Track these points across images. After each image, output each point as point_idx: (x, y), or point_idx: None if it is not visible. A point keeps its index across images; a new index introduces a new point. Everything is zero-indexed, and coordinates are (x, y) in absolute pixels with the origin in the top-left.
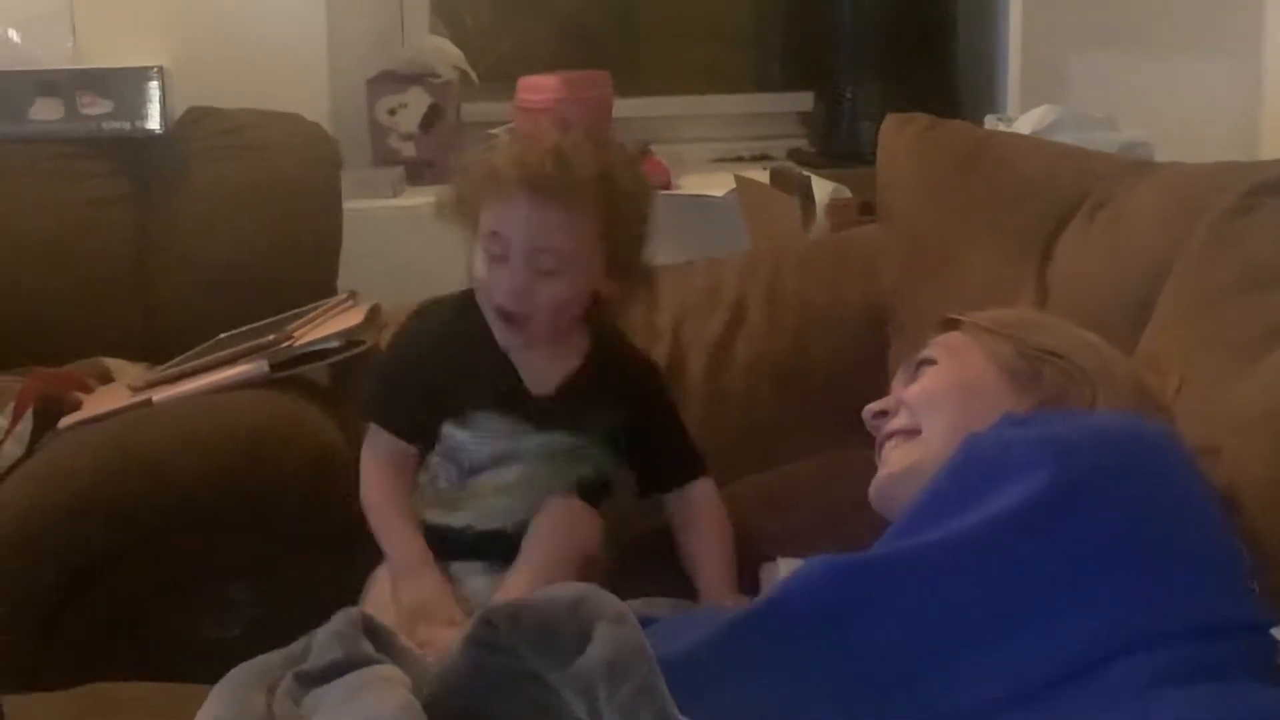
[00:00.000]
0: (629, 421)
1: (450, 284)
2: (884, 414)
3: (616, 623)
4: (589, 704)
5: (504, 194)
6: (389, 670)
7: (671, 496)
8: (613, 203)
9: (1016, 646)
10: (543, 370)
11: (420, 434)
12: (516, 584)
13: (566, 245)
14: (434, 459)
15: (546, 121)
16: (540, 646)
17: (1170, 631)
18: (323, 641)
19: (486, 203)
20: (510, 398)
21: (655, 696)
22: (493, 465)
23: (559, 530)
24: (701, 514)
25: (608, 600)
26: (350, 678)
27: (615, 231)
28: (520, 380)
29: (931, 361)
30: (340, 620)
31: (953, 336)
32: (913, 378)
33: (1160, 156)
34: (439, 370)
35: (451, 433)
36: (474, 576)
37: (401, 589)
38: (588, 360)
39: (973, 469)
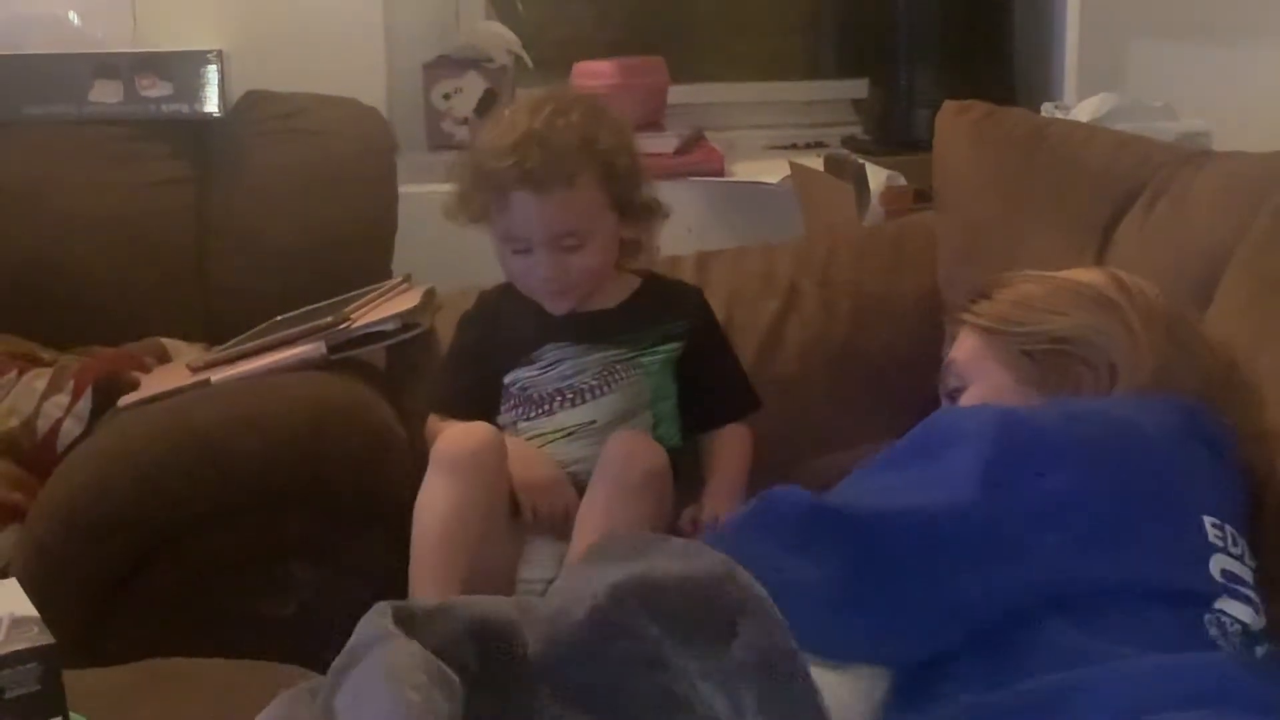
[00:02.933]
0: (686, 338)
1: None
2: None
3: (763, 620)
4: (732, 703)
5: (505, 195)
6: (402, 655)
7: (713, 436)
8: (603, 160)
9: (951, 597)
10: (597, 303)
11: (484, 407)
12: (591, 512)
13: (581, 221)
14: (504, 419)
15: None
16: (678, 634)
17: (1102, 590)
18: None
19: (493, 207)
20: (570, 322)
21: (814, 715)
22: (560, 398)
23: (629, 455)
24: (730, 443)
25: (750, 586)
26: (360, 670)
27: (615, 185)
28: (578, 311)
29: (961, 387)
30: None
31: (970, 341)
32: (949, 393)
33: (1218, 146)
34: (497, 339)
35: (517, 376)
36: (541, 542)
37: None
38: (640, 289)
39: (926, 436)
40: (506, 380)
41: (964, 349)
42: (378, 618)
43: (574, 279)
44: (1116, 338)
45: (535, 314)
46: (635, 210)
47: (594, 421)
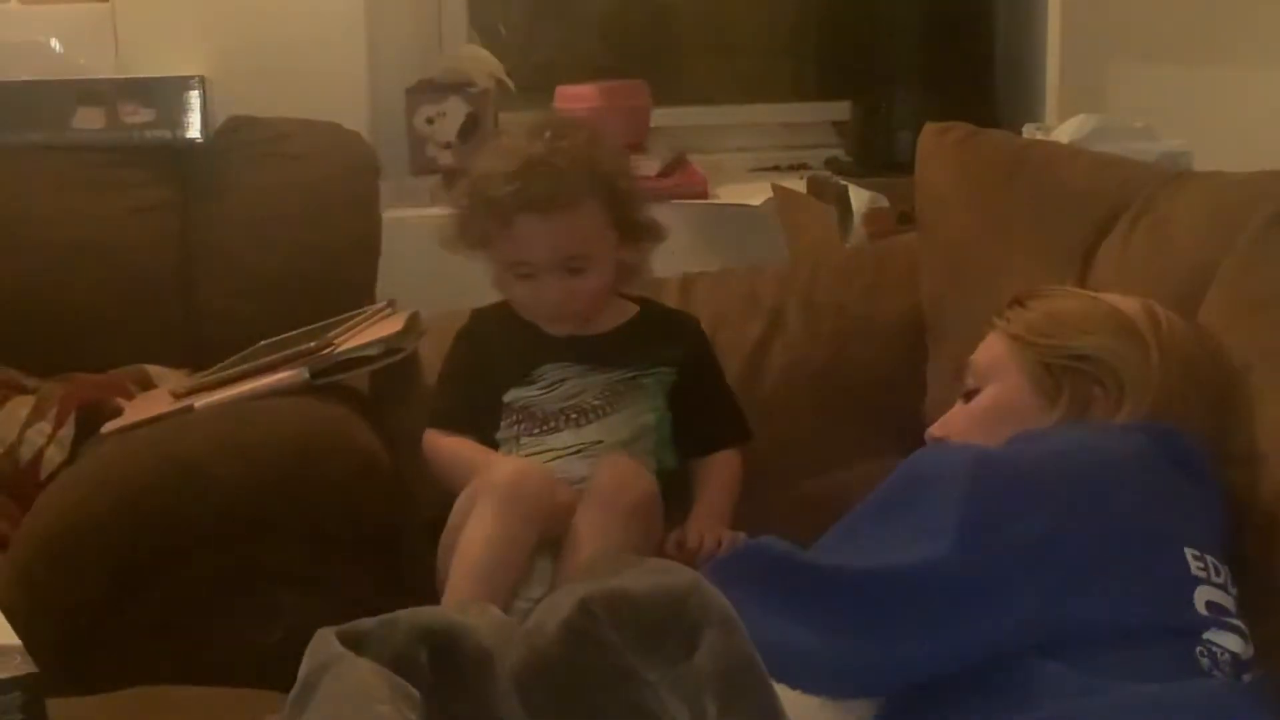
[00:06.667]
0: (681, 364)
1: (486, 288)
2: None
3: (725, 630)
4: (693, 711)
5: (510, 223)
6: (362, 674)
7: (703, 462)
8: (606, 183)
9: (937, 648)
10: (597, 328)
11: (483, 423)
12: (580, 537)
13: (585, 244)
14: (504, 434)
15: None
16: (644, 645)
17: (1089, 631)
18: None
19: (496, 233)
20: (570, 344)
21: None
22: (565, 417)
23: (618, 483)
24: (720, 468)
25: (714, 598)
26: (322, 696)
27: (617, 206)
28: (576, 335)
29: (976, 388)
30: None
31: (994, 347)
32: (965, 394)
33: (1199, 166)
34: (494, 357)
35: (518, 394)
36: (541, 563)
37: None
38: (638, 314)
39: (904, 482)
40: (506, 399)
41: (987, 352)
42: (324, 643)
43: (579, 301)
44: (1132, 365)
45: (533, 334)
46: (635, 231)
47: (600, 441)
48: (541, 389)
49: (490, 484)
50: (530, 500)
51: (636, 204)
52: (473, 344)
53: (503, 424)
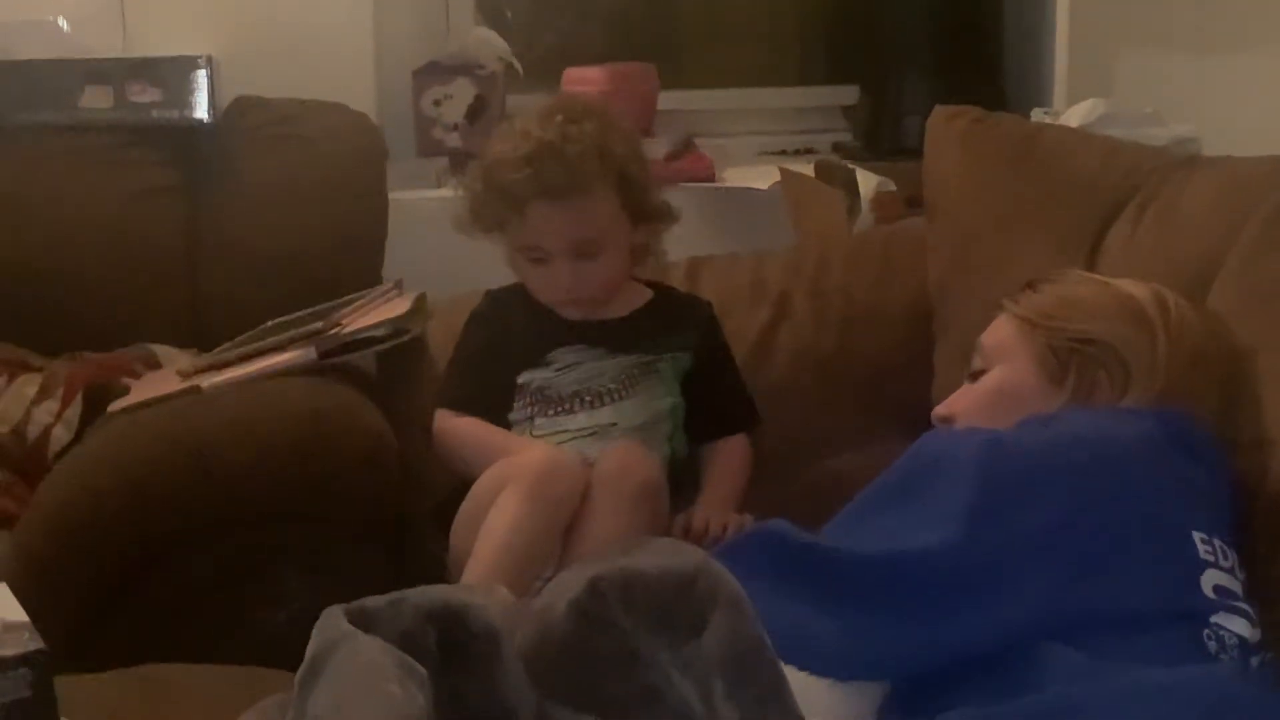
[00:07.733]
0: (695, 349)
1: (493, 270)
2: (950, 419)
3: (734, 611)
4: (701, 691)
5: (523, 208)
6: (371, 653)
7: (711, 447)
8: (617, 168)
9: (946, 633)
10: (612, 312)
11: (495, 404)
12: (585, 523)
13: (598, 229)
14: (517, 415)
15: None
16: (652, 625)
17: (1098, 617)
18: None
19: (509, 218)
20: (585, 328)
21: (784, 706)
22: (580, 400)
23: (623, 469)
24: (728, 454)
25: (723, 579)
26: (331, 674)
27: (629, 191)
28: (592, 318)
29: (983, 369)
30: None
31: (1003, 329)
32: (971, 374)
33: (1207, 152)
34: (508, 339)
35: (532, 376)
36: None
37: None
38: (652, 299)
39: (913, 468)
40: (520, 380)
41: (995, 334)
42: (333, 622)
43: (592, 287)
44: (1139, 353)
45: (547, 317)
46: (648, 215)
47: (615, 424)
48: (556, 371)
49: (520, 470)
50: (561, 491)
51: (649, 188)
52: (486, 326)
53: (515, 405)
